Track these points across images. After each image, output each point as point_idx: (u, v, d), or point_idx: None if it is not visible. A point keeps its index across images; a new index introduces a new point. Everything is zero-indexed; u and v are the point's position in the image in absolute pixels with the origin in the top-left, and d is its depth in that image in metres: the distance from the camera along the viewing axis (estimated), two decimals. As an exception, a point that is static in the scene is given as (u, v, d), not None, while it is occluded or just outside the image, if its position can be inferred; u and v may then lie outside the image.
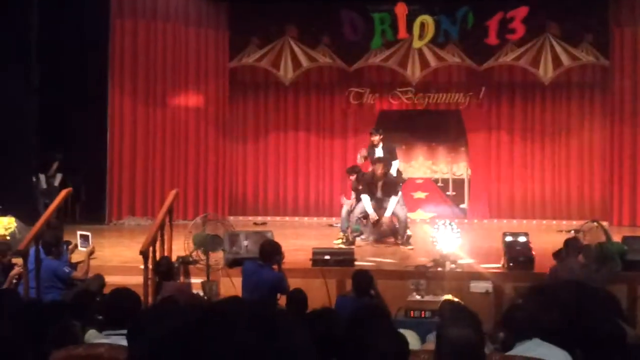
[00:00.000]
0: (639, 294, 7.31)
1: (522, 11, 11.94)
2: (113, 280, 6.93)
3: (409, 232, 9.57)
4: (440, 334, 3.08)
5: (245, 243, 7.85)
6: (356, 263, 7.82)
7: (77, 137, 10.93)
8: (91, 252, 7.29)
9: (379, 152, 9.86)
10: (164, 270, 6.58)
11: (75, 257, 7.62)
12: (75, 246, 7.70)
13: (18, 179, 10.25)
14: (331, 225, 11.89)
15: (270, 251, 6.59)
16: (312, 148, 12.59)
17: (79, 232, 7.78)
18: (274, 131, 12.69)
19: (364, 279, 6.13)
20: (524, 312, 3.82)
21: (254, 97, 12.76)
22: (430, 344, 4.07)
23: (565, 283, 5.59)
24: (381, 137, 9.88)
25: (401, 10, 12.08)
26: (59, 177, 11.27)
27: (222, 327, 1.33)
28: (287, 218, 12.29)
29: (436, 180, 12.65)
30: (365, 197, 9.37)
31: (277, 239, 8.21)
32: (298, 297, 5.87)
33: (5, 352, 2.57)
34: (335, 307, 5.74)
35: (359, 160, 10.18)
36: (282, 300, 6.31)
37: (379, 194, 9.40)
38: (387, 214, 9.34)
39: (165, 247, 7.80)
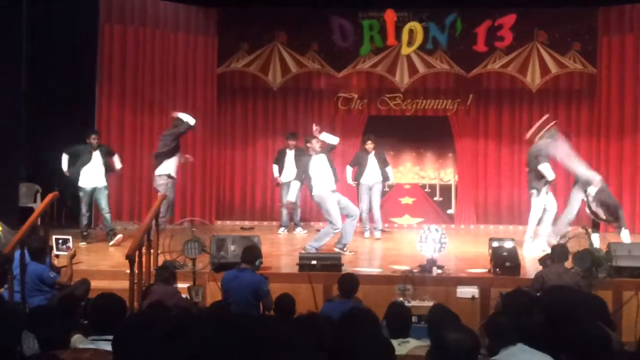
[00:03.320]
0: (624, 300, 7.35)
1: (510, 19, 12.02)
2: (99, 284, 6.90)
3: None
4: (437, 338, 3.09)
5: (232, 248, 7.84)
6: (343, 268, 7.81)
7: (65, 142, 10.85)
8: (72, 256, 7.23)
9: (371, 159, 10.79)
10: (167, 275, 6.52)
11: (59, 262, 7.56)
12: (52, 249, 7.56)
13: (5, 183, 10.18)
14: (318, 231, 11.88)
15: (253, 254, 6.58)
16: (300, 153, 12.58)
17: (54, 236, 7.69)
18: (262, 136, 12.67)
19: (350, 282, 6.15)
20: (505, 318, 3.84)
21: (243, 102, 12.74)
22: (416, 349, 4.08)
23: (551, 288, 5.63)
24: (374, 144, 10.83)
25: (390, 17, 12.12)
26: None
27: (209, 332, 1.33)
28: (274, 223, 12.24)
29: (424, 186, 12.68)
30: None
31: (264, 243, 8.23)
32: (285, 303, 5.87)
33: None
34: (322, 312, 5.74)
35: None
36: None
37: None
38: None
39: (152, 251, 7.77)
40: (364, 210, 10.72)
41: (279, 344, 1.33)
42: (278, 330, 1.30)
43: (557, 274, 6.74)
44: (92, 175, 9.96)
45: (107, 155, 10.17)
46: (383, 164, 10.90)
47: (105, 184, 10.06)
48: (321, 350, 2.95)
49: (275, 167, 11.47)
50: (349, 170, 11.05)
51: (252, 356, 1.27)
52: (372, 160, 10.83)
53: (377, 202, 10.86)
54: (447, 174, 12.65)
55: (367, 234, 10.87)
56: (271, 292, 6.42)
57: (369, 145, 10.83)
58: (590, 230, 8.57)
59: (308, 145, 9.80)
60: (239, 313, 5.22)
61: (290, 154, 11.29)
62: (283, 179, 11.26)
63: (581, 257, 7.21)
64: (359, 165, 10.89)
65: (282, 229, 11.38)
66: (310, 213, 12.31)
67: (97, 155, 10.00)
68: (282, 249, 9.77)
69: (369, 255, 9.48)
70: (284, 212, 11.32)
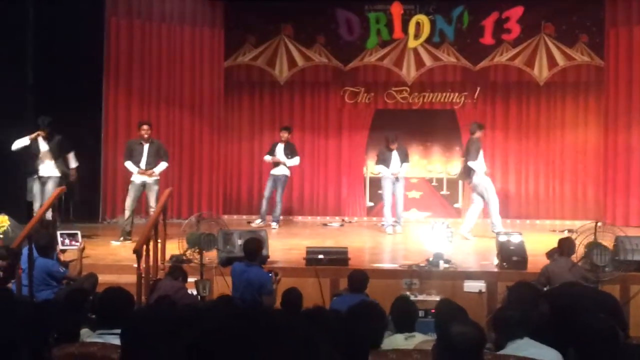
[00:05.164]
0: (631, 294, 7.32)
1: (517, 11, 11.98)
2: (106, 278, 6.92)
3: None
4: (443, 332, 3.09)
5: (239, 242, 7.84)
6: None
7: (72, 136, 10.87)
8: (82, 250, 7.25)
9: (394, 156, 10.65)
10: (178, 274, 6.52)
11: (68, 255, 7.58)
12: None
13: (12, 178, 10.22)
14: (325, 225, 11.89)
15: (254, 249, 6.57)
16: (307, 147, 12.56)
17: (58, 232, 7.67)
18: (269, 130, 12.66)
19: (360, 278, 6.15)
20: (512, 312, 3.84)
21: (249, 95, 12.74)
22: (423, 343, 4.08)
23: (562, 285, 5.60)
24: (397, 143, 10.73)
25: (397, 9, 12.10)
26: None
27: (216, 324, 1.33)
28: (280, 217, 12.26)
29: (430, 180, 12.65)
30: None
31: (270, 238, 8.24)
32: (292, 297, 5.87)
33: (1, 351, 2.56)
34: (331, 307, 5.74)
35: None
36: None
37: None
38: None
39: (159, 245, 7.79)
40: (387, 203, 10.62)
41: (289, 336, 1.33)
42: (288, 322, 1.30)
43: (564, 267, 6.72)
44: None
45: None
46: (404, 158, 10.75)
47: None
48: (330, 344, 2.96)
49: (268, 157, 11.37)
50: (378, 166, 10.91)
51: (261, 349, 1.27)
52: (395, 157, 10.67)
53: (401, 198, 10.73)
54: (454, 168, 12.61)
55: (390, 230, 10.57)
56: (278, 286, 6.42)
57: (393, 144, 10.67)
58: (599, 224, 8.49)
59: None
60: (245, 306, 5.23)
61: (281, 147, 11.20)
62: (274, 172, 11.24)
63: (601, 252, 7.11)
64: (383, 162, 10.76)
65: (259, 220, 11.28)
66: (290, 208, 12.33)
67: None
68: (289, 243, 9.77)
69: (377, 250, 9.48)
70: (265, 204, 11.22)
